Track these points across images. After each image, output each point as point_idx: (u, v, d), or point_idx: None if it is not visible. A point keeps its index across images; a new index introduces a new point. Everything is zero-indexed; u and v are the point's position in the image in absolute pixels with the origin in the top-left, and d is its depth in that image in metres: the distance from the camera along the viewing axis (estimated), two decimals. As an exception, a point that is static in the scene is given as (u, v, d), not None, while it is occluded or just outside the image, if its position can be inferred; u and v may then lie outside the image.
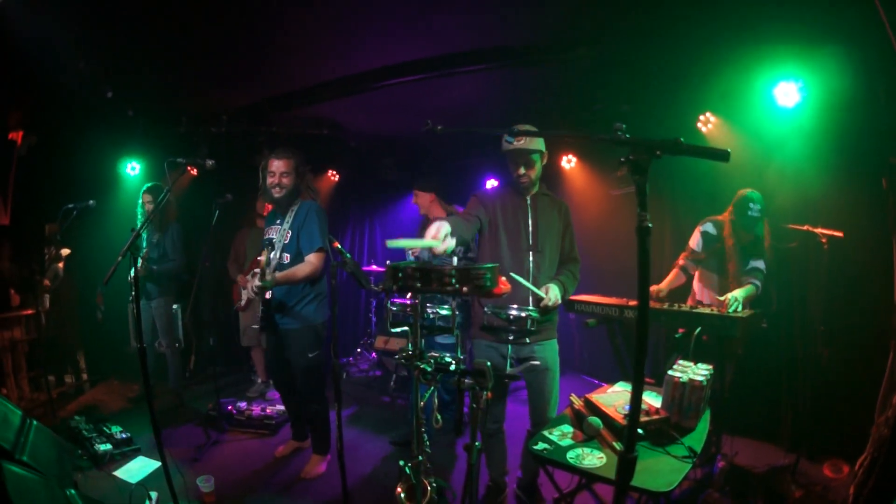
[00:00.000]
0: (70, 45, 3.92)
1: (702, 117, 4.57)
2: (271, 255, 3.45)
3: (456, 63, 4.28)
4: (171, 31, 3.82)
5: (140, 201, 4.84)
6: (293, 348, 3.61)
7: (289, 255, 3.57)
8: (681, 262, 3.94)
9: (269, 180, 3.59)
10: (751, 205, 3.50)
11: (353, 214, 8.13)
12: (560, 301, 2.84)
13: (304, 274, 3.46)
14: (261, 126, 5.66)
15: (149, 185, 4.83)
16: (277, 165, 3.56)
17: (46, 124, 4.96)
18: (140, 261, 4.33)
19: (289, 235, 3.59)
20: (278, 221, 3.68)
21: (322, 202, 3.83)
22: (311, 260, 3.49)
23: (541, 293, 2.77)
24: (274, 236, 3.63)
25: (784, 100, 3.75)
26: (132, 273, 4.52)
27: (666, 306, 3.45)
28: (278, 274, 3.41)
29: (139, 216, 4.85)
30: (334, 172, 7.54)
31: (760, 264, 3.60)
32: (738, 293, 3.39)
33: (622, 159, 1.30)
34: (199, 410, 4.84)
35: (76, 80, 4.39)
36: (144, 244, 4.76)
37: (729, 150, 1.27)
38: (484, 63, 4.24)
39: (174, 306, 5.02)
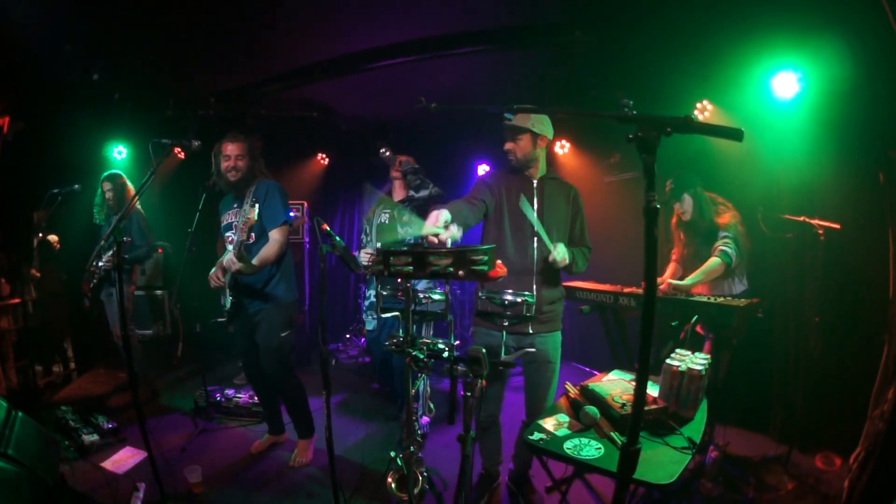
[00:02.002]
0: (55, 28, 3.83)
1: (699, 105, 4.53)
2: (235, 238, 3.35)
3: (449, 45, 4.21)
4: (157, 12, 3.72)
5: (99, 190, 4.68)
6: (264, 329, 3.54)
7: (253, 235, 3.46)
8: (675, 256, 3.95)
9: (224, 164, 3.51)
10: (668, 181, 3.73)
11: (343, 198, 8.05)
12: (567, 262, 2.76)
13: (275, 253, 3.47)
14: (249, 109, 5.56)
15: (108, 172, 4.68)
16: (232, 149, 3.50)
17: (32, 109, 4.83)
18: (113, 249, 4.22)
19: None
20: (235, 205, 3.60)
21: (283, 183, 3.80)
22: (276, 237, 3.49)
23: (549, 245, 2.71)
24: (234, 220, 3.54)
25: (782, 90, 3.70)
26: (99, 263, 4.44)
27: (662, 294, 3.42)
28: (255, 260, 3.39)
29: (97, 206, 4.71)
30: (324, 156, 7.46)
31: (722, 232, 3.58)
32: (692, 277, 3.51)
33: (629, 136, 1.24)
34: (186, 398, 4.74)
35: (62, 64, 4.29)
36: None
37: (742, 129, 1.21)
38: (478, 45, 4.16)
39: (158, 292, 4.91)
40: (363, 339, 6.40)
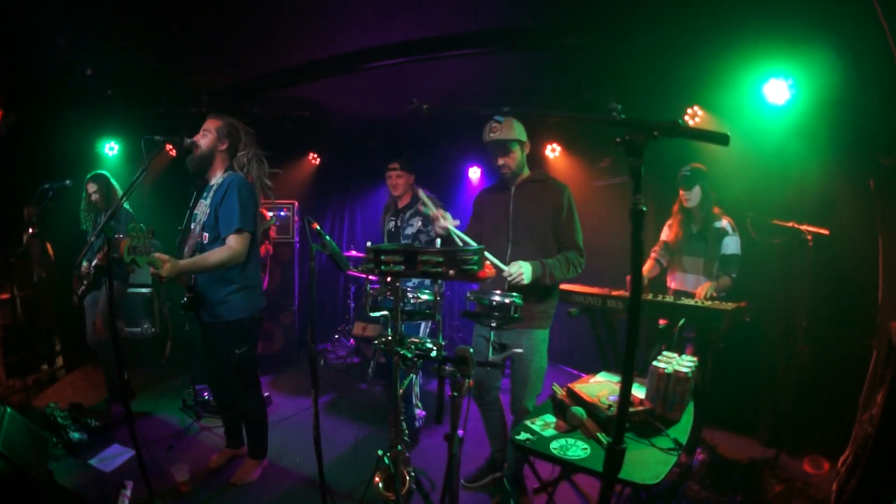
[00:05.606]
0: (50, 22, 3.79)
1: (689, 110, 4.53)
2: (193, 232, 3.16)
3: (443, 46, 4.22)
4: (152, 8, 3.70)
5: (84, 193, 4.45)
6: (218, 344, 3.23)
7: (207, 235, 3.11)
8: (654, 254, 3.99)
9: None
10: (684, 168, 3.77)
11: (334, 198, 8.02)
12: (528, 278, 2.71)
13: (218, 260, 2.94)
14: (242, 107, 5.55)
15: (93, 173, 4.49)
16: (204, 124, 3.19)
17: (24, 103, 4.82)
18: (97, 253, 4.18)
19: (207, 212, 3.11)
20: (204, 195, 3.22)
21: (274, 182, 3.44)
22: (230, 243, 2.98)
23: (502, 266, 2.73)
24: (198, 211, 3.21)
25: (774, 97, 3.72)
26: (91, 261, 4.38)
27: (650, 297, 3.44)
28: (182, 261, 2.89)
29: (83, 212, 4.48)
30: (315, 156, 7.44)
31: (728, 241, 3.68)
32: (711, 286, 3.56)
33: (617, 140, 1.25)
34: (174, 397, 4.70)
35: (55, 59, 4.27)
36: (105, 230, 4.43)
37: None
38: (472, 47, 4.17)
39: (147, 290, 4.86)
40: (352, 340, 6.36)
